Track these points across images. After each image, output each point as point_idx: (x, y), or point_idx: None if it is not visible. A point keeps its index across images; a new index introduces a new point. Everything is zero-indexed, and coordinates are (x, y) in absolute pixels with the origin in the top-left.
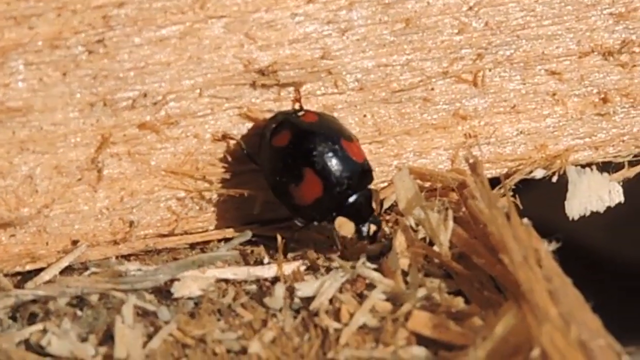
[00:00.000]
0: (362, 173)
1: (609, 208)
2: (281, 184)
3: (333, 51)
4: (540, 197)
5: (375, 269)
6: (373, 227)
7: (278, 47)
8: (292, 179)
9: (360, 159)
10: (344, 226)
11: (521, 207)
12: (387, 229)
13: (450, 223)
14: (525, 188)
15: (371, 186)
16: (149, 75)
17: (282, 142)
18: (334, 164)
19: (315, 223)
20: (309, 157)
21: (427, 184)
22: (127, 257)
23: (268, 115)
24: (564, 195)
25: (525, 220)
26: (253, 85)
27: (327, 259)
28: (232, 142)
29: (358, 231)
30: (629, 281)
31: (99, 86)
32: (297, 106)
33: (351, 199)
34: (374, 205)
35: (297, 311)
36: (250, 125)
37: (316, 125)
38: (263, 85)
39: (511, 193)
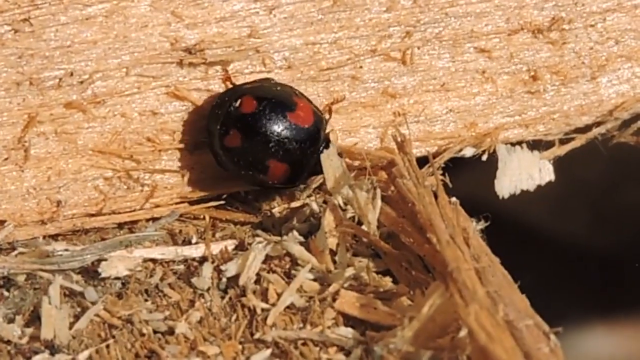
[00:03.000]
0: (316, 132)
1: (554, 185)
2: (249, 176)
3: (260, 29)
4: (475, 175)
5: (302, 245)
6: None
7: (205, 25)
8: (258, 171)
9: (309, 121)
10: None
11: (451, 185)
12: (315, 207)
13: (379, 202)
14: (464, 167)
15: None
16: (75, 54)
17: (234, 143)
18: (291, 144)
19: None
20: (268, 150)
21: (356, 163)
22: (54, 237)
23: (196, 95)
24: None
25: (453, 199)
26: (180, 63)
27: (255, 237)
28: (159, 120)
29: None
30: (565, 256)
31: (25, 65)
32: (229, 85)
33: (317, 157)
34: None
35: (225, 291)
36: (177, 104)
37: (259, 115)
38: (190, 64)
39: (441, 172)
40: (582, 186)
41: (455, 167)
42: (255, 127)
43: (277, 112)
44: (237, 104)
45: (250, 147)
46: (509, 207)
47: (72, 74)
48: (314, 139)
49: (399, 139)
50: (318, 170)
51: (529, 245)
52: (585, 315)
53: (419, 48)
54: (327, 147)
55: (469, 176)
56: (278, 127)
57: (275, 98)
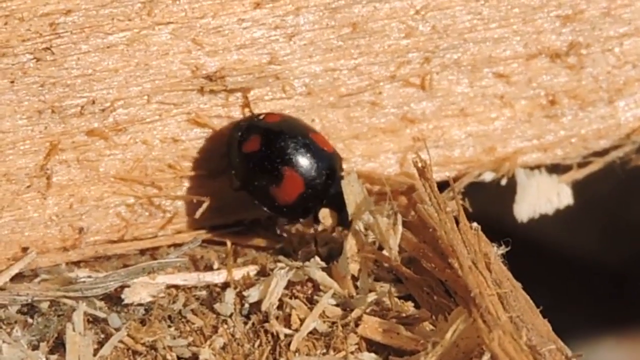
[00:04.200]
0: (335, 162)
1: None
2: (261, 187)
3: (280, 56)
4: (492, 198)
5: (324, 271)
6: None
7: (225, 52)
8: (271, 181)
9: (330, 149)
10: (327, 218)
11: (471, 210)
12: (336, 234)
13: (400, 227)
14: (475, 185)
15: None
16: (97, 82)
17: (253, 148)
18: (309, 157)
19: (301, 220)
20: (285, 156)
21: (376, 188)
22: (77, 264)
23: (217, 122)
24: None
25: (475, 224)
26: (201, 91)
27: (277, 264)
28: (180, 147)
29: (341, 219)
30: (576, 271)
31: (46, 93)
32: (247, 112)
33: (332, 189)
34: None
35: (248, 317)
36: (198, 130)
37: (281, 125)
38: (211, 91)
39: (460, 196)
40: (594, 203)
41: (467, 187)
42: (274, 131)
43: (300, 127)
44: (262, 116)
45: (267, 150)
46: (520, 226)
47: (93, 102)
48: (330, 165)
49: (419, 165)
50: (330, 203)
51: (541, 261)
52: (596, 329)
53: (437, 74)
54: (338, 182)
55: (480, 194)
56: (298, 138)
57: (298, 120)
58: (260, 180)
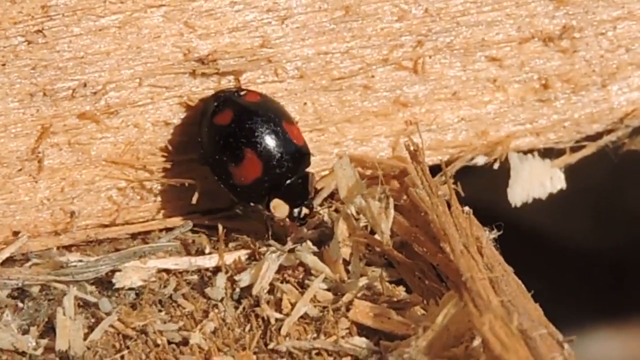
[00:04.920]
0: (301, 156)
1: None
2: (221, 162)
3: (273, 39)
4: (485, 179)
5: (315, 255)
6: (305, 210)
7: (217, 35)
8: (232, 159)
9: (300, 142)
10: (279, 208)
11: (463, 194)
12: (327, 218)
13: (391, 211)
14: (468, 172)
15: (309, 169)
16: (89, 65)
17: (224, 121)
18: (275, 146)
19: (252, 204)
20: (251, 138)
21: (368, 172)
22: (68, 248)
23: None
24: (508, 178)
25: (467, 208)
26: (193, 74)
27: (268, 248)
28: (172, 131)
29: (291, 214)
30: (570, 260)
31: (38, 76)
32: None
33: (289, 182)
34: (309, 188)
35: (239, 301)
36: (190, 114)
37: (258, 106)
38: (203, 74)
39: (452, 180)
40: (587, 191)
41: (460, 172)
42: (248, 111)
43: (276, 113)
44: (242, 93)
45: (236, 127)
46: (513, 212)
47: (85, 85)
48: (295, 158)
49: (411, 148)
50: (284, 195)
51: (535, 250)
52: (591, 318)
53: (430, 57)
54: (300, 177)
55: (472, 181)
56: (270, 123)
57: (278, 105)
58: (222, 155)
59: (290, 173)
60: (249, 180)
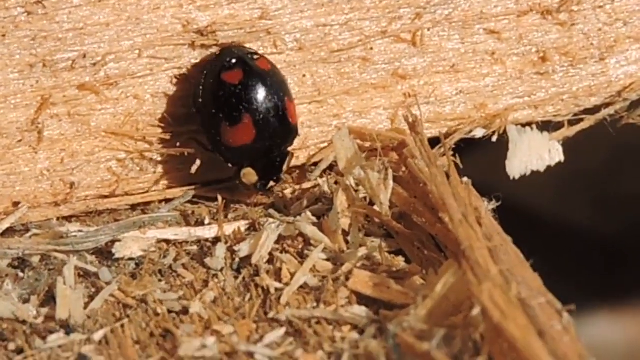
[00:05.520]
0: (291, 135)
1: (550, 167)
2: (215, 118)
3: (272, 11)
4: (482, 157)
5: (314, 225)
6: (271, 183)
7: (217, 7)
8: (228, 119)
9: (294, 120)
10: (248, 176)
11: (461, 166)
12: (327, 189)
13: (390, 182)
14: (469, 148)
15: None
16: (88, 36)
17: (231, 80)
18: (273, 120)
19: (229, 165)
20: (253, 105)
21: (367, 144)
22: (68, 219)
23: None
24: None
25: (465, 179)
26: (192, 45)
27: (268, 219)
28: (172, 102)
29: (257, 183)
30: (568, 243)
31: (38, 47)
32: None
33: (271, 156)
34: (284, 167)
35: (238, 271)
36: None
37: (268, 75)
38: (202, 46)
39: (451, 152)
40: (586, 173)
41: (459, 151)
42: (259, 77)
43: (281, 87)
44: (256, 57)
45: (242, 90)
46: (512, 193)
47: (85, 56)
48: (286, 136)
49: (410, 120)
50: (260, 167)
51: (532, 232)
52: (589, 301)
53: (429, 29)
54: (281, 154)
55: (472, 160)
56: (275, 97)
57: (284, 80)
58: (219, 112)
59: (275, 149)
60: (236, 144)
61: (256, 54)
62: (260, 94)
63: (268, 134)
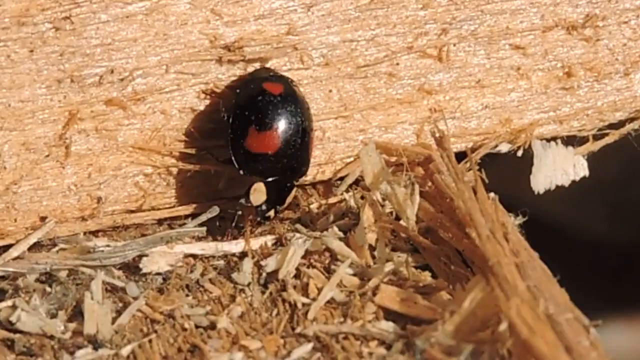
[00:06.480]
0: (303, 165)
1: (572, 182)
2: (245, 119)
3: (299, 27)
4: (502, 172)
5: (341, 240)
6: (272, 212)
7: (244, 22)
8: (258, 122)
9: (310, 154)
10: (257, 193)
11: (487, 181)
12: (353, 204)
13: (417, 197)
14: (489, 162)
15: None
16: (116, 52)
17: (272, 90)
18: (297, 141)
19: (241, 172)
20: (284, 118)
21: (393, 159)
22: (95, 233)
23: None
24: (526, 169)
25: (492, 194)
26: (219, 61)
27: (295, 233)
28: (198, 117)
29: (261, 206)
30: (590, 254)
31: (66, 63)
32: None
33: (280, 178)
34: (287, 199)
35: (265, 286)
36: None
37: (303, 100)
38: (229, 61)
39: (477, 167)
40: (602, 182)
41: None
42: (298, 99)
43: (311, 118)
44: (293, 83)
45: (281, 102)
46: (528, 203)
47: (112, 72)
48: (300, 163)
49: (437, 135)
50: (270, 186)
51: (548, 241)
52: (604, 310)
53: (454, 45)
54: (291, 184)
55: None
56: (305, 121)
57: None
58: (251, 114)
59: (287, 171)
60: (257, 150)
61: (293, 80)
62: (295, 111)
63: (288, 152)
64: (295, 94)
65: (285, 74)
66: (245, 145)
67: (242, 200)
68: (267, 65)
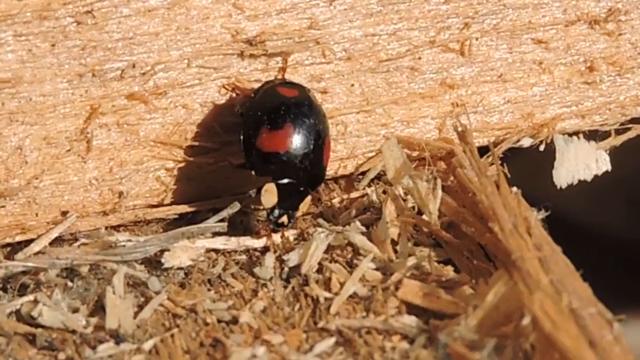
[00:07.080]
0: (318, 172)
1: (594, 177)
2: (257, 118)
3: (320, 21)
4: (524, 166)
5: (363, 235)
6: (284, 218)
7: (266, 17)
8: (270, 121)
9: (325, 163)
10: (268, 195)
11: (509, 175)
12: (375, 198)
13: (439, 192)
14: (511, 157)
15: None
16: (138, 46)
17: (286, 92)
18: (308, 141)
19: (253, 172)
20: (298, 119)
21: (415, 153)
22: (116, 228)
23: (257, 86)
24: (547, 164)
25: (515, 188)
26: (241, 55)
27: (317, 228)
28: (220, 111)
29: (273, 210)
30: (610, 250)
31: (87, 57)
32: (280, 76)
33: (293, 182)
34: (300, 205)
35: (288, 280)
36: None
37: (318, 106)
38: (251, 55)
39: (499, 162)
40: (621, 179)
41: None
42: (313, 105)
43: (327, 125)
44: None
45: (294, 104)
46: (546, 199)
47: (134, 66)
48: (311, 171)
49: (459, 129)
50: (282, 187)
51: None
52: (621, 307)
53: (477, 39)
54: (305, 189)
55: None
56: (318, 125)
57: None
58: (265, 114)
59: (300, 174)
60: (268, 149)
61: (310, 90)
62: (309, 114)
63: (300, 152)
64: (310, 99)
65: (307, 68)
66: (257, 144)
67: (251, 192)
68: (289, 59)
